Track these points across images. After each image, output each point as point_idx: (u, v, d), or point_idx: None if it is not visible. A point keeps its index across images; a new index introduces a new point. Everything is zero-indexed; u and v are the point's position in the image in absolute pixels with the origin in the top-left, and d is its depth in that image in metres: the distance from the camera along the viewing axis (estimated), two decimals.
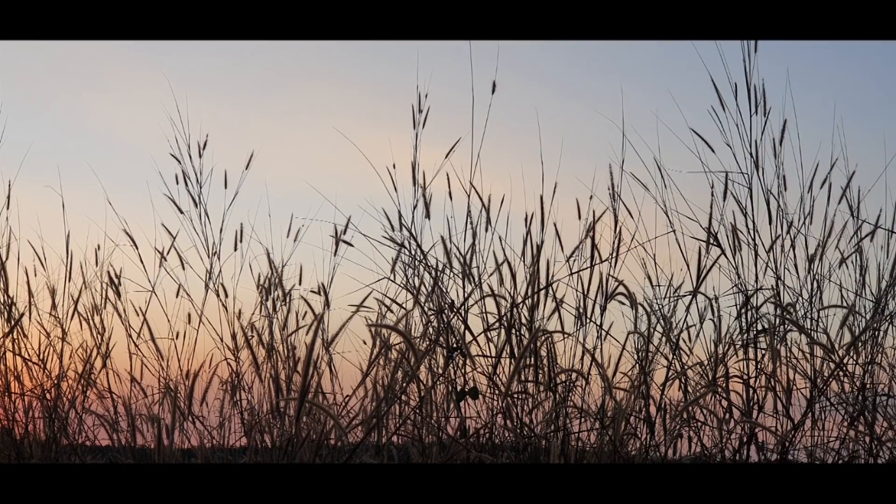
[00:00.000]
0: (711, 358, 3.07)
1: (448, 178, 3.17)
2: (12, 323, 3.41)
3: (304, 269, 3.34)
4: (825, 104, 3.27)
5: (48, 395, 3.38)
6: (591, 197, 3.18)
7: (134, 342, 3.38)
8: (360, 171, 3.17)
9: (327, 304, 3.27)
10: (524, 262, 3.18)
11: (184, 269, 3.37)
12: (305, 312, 3.30)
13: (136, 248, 3.38)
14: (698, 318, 3.11)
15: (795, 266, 3.15)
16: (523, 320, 3.11)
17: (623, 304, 3.14)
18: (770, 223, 3.11)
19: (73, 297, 3.45)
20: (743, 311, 3.07)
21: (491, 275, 3.19)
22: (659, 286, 3.14)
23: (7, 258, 3.44)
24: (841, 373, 3.03)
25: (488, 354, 3.10)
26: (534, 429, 3.03)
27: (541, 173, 3.11)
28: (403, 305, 3.20)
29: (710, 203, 3.11)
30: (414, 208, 3.18)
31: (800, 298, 3.13)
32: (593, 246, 3.15)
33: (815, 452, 3.02)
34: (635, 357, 3.10)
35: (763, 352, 3.04)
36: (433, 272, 3.15)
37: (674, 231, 3.12)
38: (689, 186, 3.15)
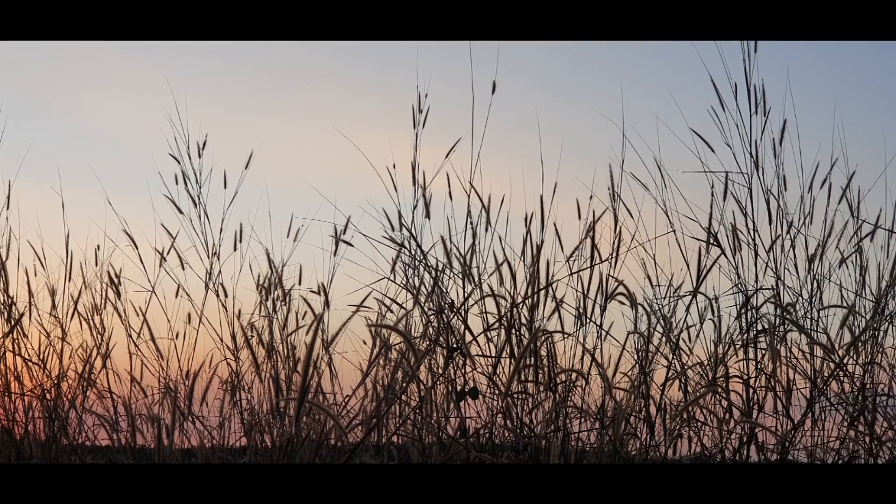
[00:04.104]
0: (711, 358, 3.07)
1: (448, 179, 3.17)
2: (12, 323, 3.41)
3: (303, 269, 3.34)
4: (825, 104, 3.27)
5: (48, 395, 3.38)
6: (591, 197, 3.18)
7: (134, 342, 3.39)
8: (360, 171, 3.17)
9: (327, 304, 3.27)
10: (524, 262, 3.18)
11: (183, 269, 3.37)
12: (305, 312, 3.31)
13: (136, 248, 3.39)
14: (698, 318, 3.11)
15: (795, 266, 3.15)
16: (523, 320, 3.11)
17: (623, 304, 3.14)
18: (770, 223, 3.12)
19: (73, 297, 3.46)
20: (743, 311, 3.07)
21: (491, 275, 3.20)
22: (659, 286, 3.14)
23: (7, 258, 3.44)
24: (841, 373, 3.03)
25: (488, 354, 3.10)
26: (534, 429, 3.03)
27: (541, 173, 3.11)
28: (403, 305, 3.20)
29: (710, 203, 3.12)
30: (414, 208, 3.19)
31: (800, 298, 3.13)
32: (593, 246, 3.15)
33: (815, 452, 3.02)
34: (635, 357, 3.10)
35: (763, 352, 3.04)
36: (433, 272, 3.15)
37: (674, 231, 3.12)
38: (689, 186, 3.15)
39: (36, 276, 3.48)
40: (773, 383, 3.02)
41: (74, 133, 5.43)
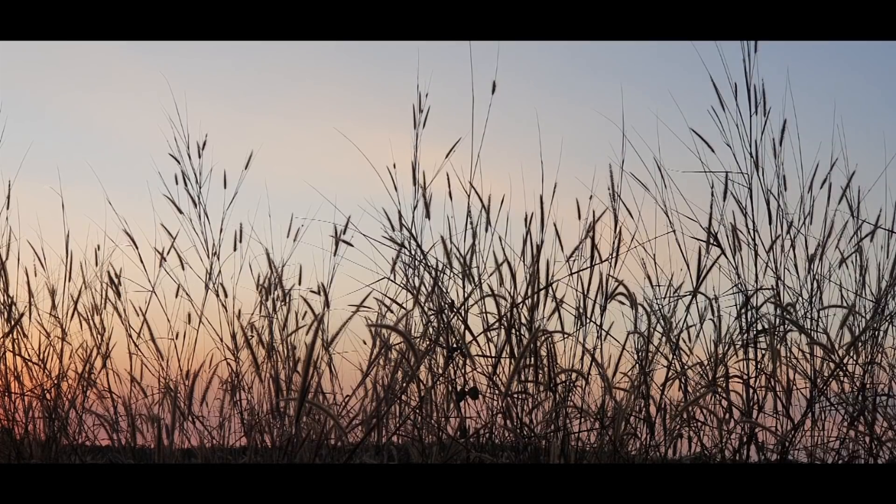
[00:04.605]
0: (711, 358, 3.07)
1: (448, 179, 3.17)
2: (12, 323, 3.41)
3: (303, 269, 3.34)
4: (825, 104, 3.27)
5: (48, 395, 3.38)
6: (591, 197, 3.18)
7: (134, 342, 3.39)
8: (360, 171, 3.18)
9: (327, 304, 3.27)
10: (524, 262, 3.18)
11: (183, 269, 3.37)
12: (305, 312, 3.31)
13: (136, 248, 3.39)
14: (698, 318, 3.11)
15: (795, 266, 3.15)
16: (523, 320, 3.11)
17: (623, 304, 3.14)
18: (770, 223, 3.12)
19: (73, 297, 3.46)
20: (743, 311, 3.07)
21: (491, 275, 3.19)
22: (659, 286, 3.14)
23: (7, 258, 3.44)
24: (841, 373, 3.03)
25: (488, 354, 3.10)
26: (534, 429, 3.03)
27: (541, 173, 3.11)
28: (403, 305, 3.20)
29: (710, 203, 3.12)
30: (414, 208, 3.19)
31: (800, 298, 3.13)
32: (593, 246, 3.15)
33: (815, 452, 3.02)
34: (635, 357, 3.10)
35: (763, 352, 3.04)
36: (433, 272, 3.15)
37: (674, 231, 3.12)
38: (689, 186, 3.15)
39: (36, 276, 3.48)
40: (773, 383, 3.02)
41: (74, 133, 5.44)
